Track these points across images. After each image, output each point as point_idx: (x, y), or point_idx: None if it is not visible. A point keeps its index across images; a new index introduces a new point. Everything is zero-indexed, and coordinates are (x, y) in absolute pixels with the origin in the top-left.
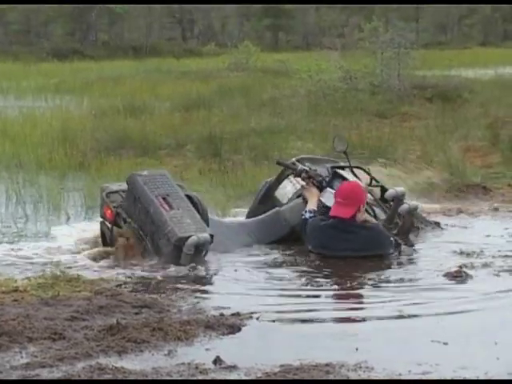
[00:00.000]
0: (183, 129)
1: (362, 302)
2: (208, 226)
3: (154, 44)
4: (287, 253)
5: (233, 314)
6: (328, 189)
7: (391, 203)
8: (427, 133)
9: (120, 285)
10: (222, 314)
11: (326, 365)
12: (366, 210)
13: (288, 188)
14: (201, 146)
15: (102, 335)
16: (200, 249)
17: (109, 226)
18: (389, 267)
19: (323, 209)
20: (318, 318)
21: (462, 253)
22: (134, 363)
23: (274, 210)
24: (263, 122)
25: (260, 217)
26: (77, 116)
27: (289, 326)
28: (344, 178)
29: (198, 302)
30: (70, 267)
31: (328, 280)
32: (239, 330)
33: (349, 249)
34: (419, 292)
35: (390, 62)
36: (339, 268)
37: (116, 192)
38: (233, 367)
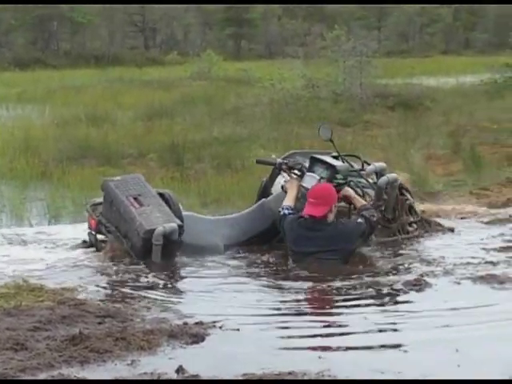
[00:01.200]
0: (146, 138)
1: (325, 310)
2: (181, 219)
3: (116, 53)
4: (252, 262)
5: (196, 323)
6: (307, 173)
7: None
8: (389, 141)
9: (83, 294)
10: (185, 323)
11: (289, 373)
12: (357, 193)
13: (282, 183)
14: (163, 155)
15: (64, 345)
16: (169, 239)
17: (93, 234)
18: (354, 273)
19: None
20: (281, 327)
21: (422, 260)
22: (97, 373)
23: (259, 201)
24: (226, 131)
25: (246, 210)
26: (39, 125)
27: (252, 334)
28: (322, 161)
29: (161, 311)
30: (33, 277)
31: (291, 288)
32: (203, 339)
33: (315, 245)
34: (383, 299)
35: (352, 71)
36: (303, 277)
37: (100, 204)
38: (195, 377)
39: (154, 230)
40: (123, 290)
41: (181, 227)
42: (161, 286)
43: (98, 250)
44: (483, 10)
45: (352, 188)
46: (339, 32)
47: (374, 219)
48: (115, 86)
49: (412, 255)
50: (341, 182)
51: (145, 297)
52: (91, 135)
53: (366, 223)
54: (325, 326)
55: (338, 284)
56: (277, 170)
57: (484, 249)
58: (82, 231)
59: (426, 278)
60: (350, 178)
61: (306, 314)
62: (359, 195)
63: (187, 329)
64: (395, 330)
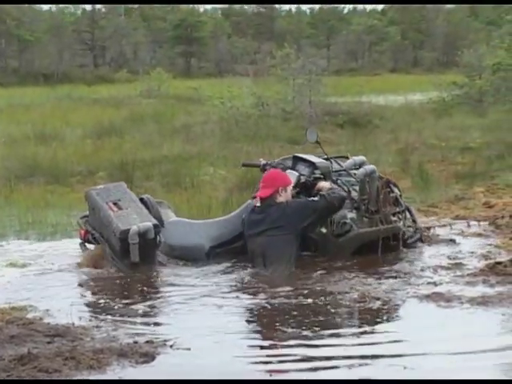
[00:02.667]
0: (95, 156)
1: (276, 330)
2: (160, 220)
3: (65, 71)
4: (205, 278)
5: (147, 342)
6: (288, 170)
7: None
8: None
9: (32, 313)
10: (135, 342)
11: None
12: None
13: None
14: (113, 173)
15: (12, 365)
16: (145, 238)
17: (83, 243)
18: (298, 289)
19: None
20: (231, 345)
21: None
22: None
23: (246, 202)
24: (175, 149)
25: (234, 211)
26: None
27: (203, 352)
28: (304, 160)
29: (111, 330)
30: None
31: (242, 304)
32: (153, 358)
33: (265, 224)
34: (326, 313)
35: (301, 89)
36: (252, 292)
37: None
38: None
39: (129, 229)
40: (73, 308)
41: (156, 226)
42: (112, 305)
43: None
44: (431, 28)
45: (340, 186)
46: (288, 50)
47: (335, 195)
48: (64, 103)
49: (358, 273)
50: (317, 176)
51: (95, 315)
52: (40, 153)
53: (321, 200)
54: (274, 347)
55: (289, 300)
56: (261, 171)
57: (430, 267)
58: (28, 250)
59: (370, 295)
60: (339, 178)
61: (256, 332)
62: (345, 191)
63: (137, 348)
64: (339, 347)
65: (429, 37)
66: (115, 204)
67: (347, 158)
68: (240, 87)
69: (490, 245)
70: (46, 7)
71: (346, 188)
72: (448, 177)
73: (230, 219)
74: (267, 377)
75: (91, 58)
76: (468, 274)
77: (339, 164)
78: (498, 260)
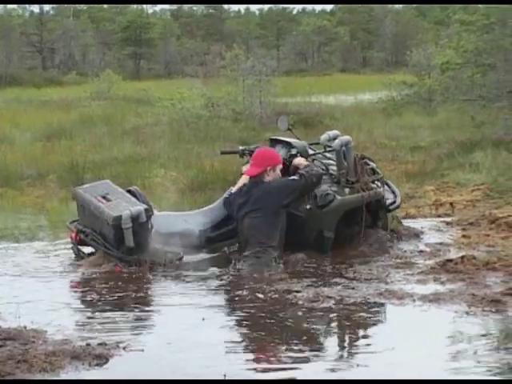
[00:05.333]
0: (45, 158)
1: (228, 326)
2: (151, 207)
3: (13, 73)
4: (158, 281)
5: (100, 344)
6: None
7: None
8: None
9: None
10: (88, 344)
11: None
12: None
13: (243, 168)
14: (63, 176)
15: None
16: (137, 222)
17: (75, 245)
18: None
19: None
20: (185, 347)
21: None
22: None
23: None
24: (126, 151)
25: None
26: None
27: (157, 354)
28: (280, 141)
29: (64, 332)
30: None
31: (198, 304)
32: (106, 360)
33: (248, 206)
34: (277, 313)
35: (251, 90)
36: (208, 292)
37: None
38: None
39: (121, 215)
40: (25, 311)
41: (147, 211)
42: (65, 307)
43: (81, 259)
44: (380, 29)
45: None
46: (238, 51)
47: (313, 172)
48: (13, 106)
49: (311, 271)
50: (293, 153)
51: (47, 318)
52: None
53: (301, 179)
54: (230, 350)
55: (247, 306)
56: (240, 157)
57: (381, 266)
58: None
59: (324, 294)
60: (315, 159)
61: (209, 331)
62: (322, 170)
63: (90, 350)
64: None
65: (378, 37)
66: (104, 197)
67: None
68: (190, 88)
69: (440, 243)
70: None
71: (323, 167)
72: (398, 176)
73: (214, 207)
74: (221, 377)
75: (40, 61)
76: (419, 273)
77: (313, 149)
78: (448, 258)
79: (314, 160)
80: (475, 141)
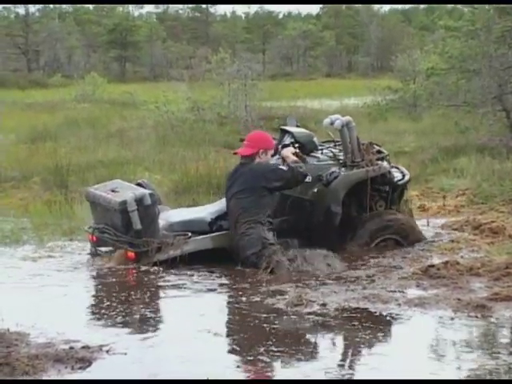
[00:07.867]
0: (29, 161)
1: (207, 329)
2: (158, 198)
3: None
4: (142, 286)
5: (83, 347)
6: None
7: None
8: None
9: None
10: (71, 348)
11: None
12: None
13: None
14: (47, 178)
15: None
16: (142, 204)
17: (93, 245)
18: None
19: None
20: (168, 350)
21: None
22: None
23: None
24: (110, 154)
25: None
26: None
27: (140, 357)
28: (288, 132)
29: (47, 335)
30: None
31: (178, 309)
32: (89, 363)
33: (236, 186)
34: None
35: (237, 93)
36: (192, 292)
37: None
38: None
39: (126, 200)
40: (8, 314)
41: (152, 195)
42: (48, 311)
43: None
44: (365, 33)
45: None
46: (224, 55)
47: (300, 171)
48: None
49: (298, 276)
50: (286, 143)
51: (29, 321)
52: None
53: (288, 171)
54: (213, 344)
55: (232, 309)
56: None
57: (365, 270)
58: None
59: (306, 298)
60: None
61: (190, 334)
62: (330, 157)
63: (73, 353)
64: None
65: (363, 42)
66: (113, 191)
67: (333, 141)
68: (175, 92)
69: (423, 249)
70: None
71: (330, 155)
72: None
73: (222, 200)
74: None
75: (25, 63)
76: (401, 278)
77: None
78: (431, 263)
79: (322, 150)
80: (460, 146)
